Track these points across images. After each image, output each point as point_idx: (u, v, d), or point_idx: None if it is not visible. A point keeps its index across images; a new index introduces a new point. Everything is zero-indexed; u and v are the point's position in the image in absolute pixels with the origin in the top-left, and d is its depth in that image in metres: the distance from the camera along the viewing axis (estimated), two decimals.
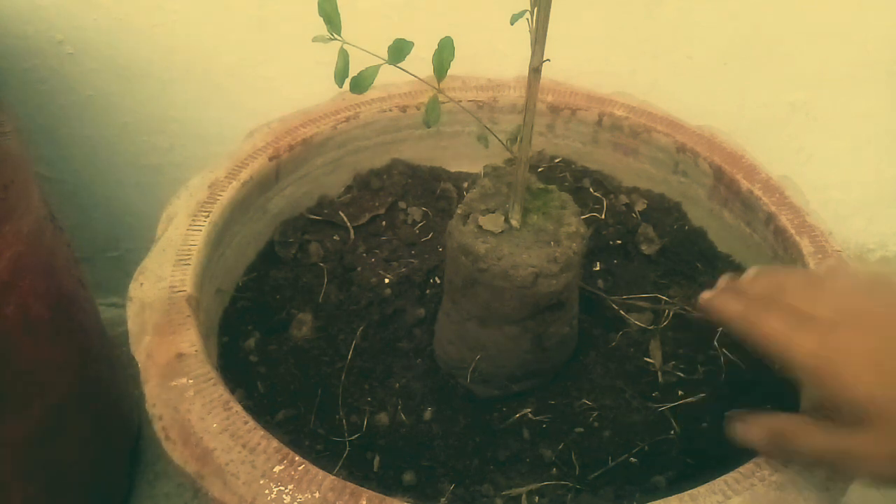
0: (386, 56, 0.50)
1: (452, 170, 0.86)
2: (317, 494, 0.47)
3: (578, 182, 0.83)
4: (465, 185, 0.84)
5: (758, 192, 0.72)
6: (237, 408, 0.52)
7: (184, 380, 0.53)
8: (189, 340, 0.56)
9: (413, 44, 0.50)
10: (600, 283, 0.74)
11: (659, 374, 0.66)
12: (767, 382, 0.65)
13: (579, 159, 0.86)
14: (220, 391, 0.53)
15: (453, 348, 0.63)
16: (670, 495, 0.49)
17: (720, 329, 0.70)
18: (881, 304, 0.49)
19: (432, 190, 0.82)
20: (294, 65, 0.89)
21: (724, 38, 0.92)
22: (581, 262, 0.60)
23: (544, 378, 0.65)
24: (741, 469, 0.50)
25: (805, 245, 0.66)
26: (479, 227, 0.56)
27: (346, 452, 0.59)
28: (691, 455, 0.59)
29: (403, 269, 0.74)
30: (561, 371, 0.65)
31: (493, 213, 0.57)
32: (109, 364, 0.91)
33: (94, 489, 0.90)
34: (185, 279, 0.60)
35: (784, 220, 0.69)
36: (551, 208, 0.58)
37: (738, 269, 0.76)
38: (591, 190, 0.83)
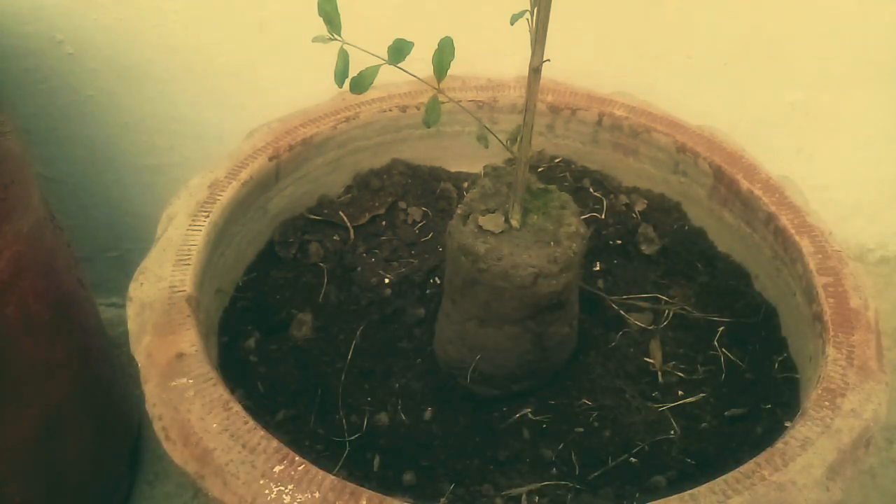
0: (386, 56, 0.50)
1: (452, 170, 0.86)
2: (317, 494, 0.47)
3: (578, 182, 0.83)
4: (465, 185, 0.84)
5: (758, 192, 0.72)
6: (237, 408, 0.52)
7: (184, 380, 0.53)
8: (189, 340, 0.56)
9: (413, 44, 0.50)
10: (600, 283, 0.74)
11: (659, 374, 0.66)
12: (767, 382, 0.65)
13: (579, 159, 0.86)
14: (220, 391, 0.53)
15: (453, 348, 0.63)
16: (670, 495, 0.49)
17: (720, 329, 0.70)
18: None
19: (432, 190, 0.82)
20: (294, 65, 0.89)
21: (724, 38, 0.92)
22: (581, 262, 0.60)
23: (544, 378, 0.65)
24: (741, 469, 0.50)
25: (805, 245, 0.66)
26: (479, 227, 0.56)
27: (346, 452, 0.59)
28: (691, 455, 0.59)
29: (403, 269, 0.74)
30: (561, 371, 0.65)
31: (493, 213, 0.57)
32: (109, 364, 0.91)
33: (94, 489, 0.90)
34: (185, 279, 0.60)
35: (784, 220, 0.69)
36: (551, 208, 0.58)
37: (738, 268, 0.76)
38: (591, 190, 0.83)
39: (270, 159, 0.73)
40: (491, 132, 0.56)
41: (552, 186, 0.60)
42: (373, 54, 0.50)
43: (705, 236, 0.79)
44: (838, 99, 1.00)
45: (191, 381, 0.53)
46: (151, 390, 0.53)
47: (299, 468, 0.49)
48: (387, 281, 0.73)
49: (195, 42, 0.89)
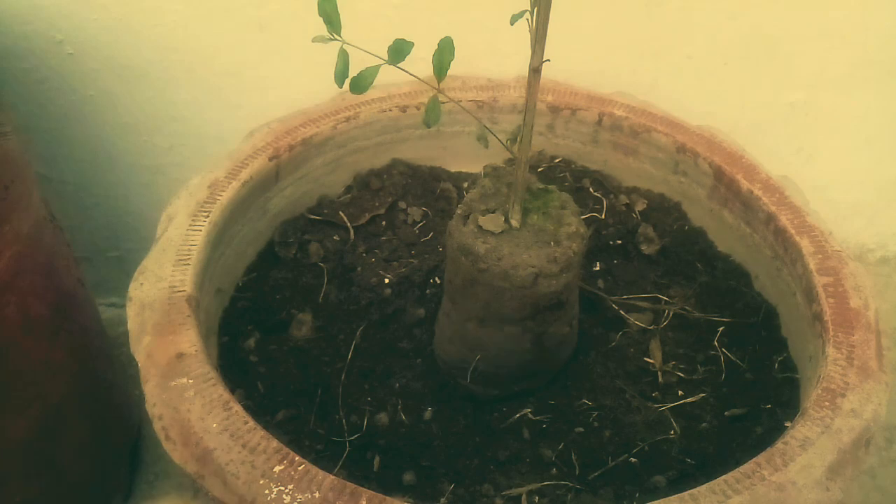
0: (386, 56, 0.50)
1: (452, 170, 0.86)
2: (317, 494, 0.47)
3: (578, 182, 0.83)
4: (465, 185, 0.84)
5: (758, 192, 0.72)
6: (237, 408, 0.52)
7: (184, 380, 0.53)
8: (189, 340, 0.56)
9: (413, 44, 0.50)
10: (600, 283, 0.74)
11: (659, 374, 0.66)
12: (767, 382, 0.65)
13: (579, 159, 0.86)
14: (220, 391, 0.53)
15: (453, 348, 0.63)
16: (670, 495, 0.49)
17: (720, 329, 0.70)
18: None
19: (432, 190, 0.82)
20: (294, 65, 0.89)
21: (724, 38, 0.92)
22: (581, 262, 0.60)
23: (544, 378, 0.65)
24: (741, 469, 0.50)
25: (805, 245, 0.66)
26: (479, 227, 0.56)
27: (346, 452, 0.59)
28: (691, 455, 0.59)
29: (403, 269, 0.74)
30: (561, 371, 0.65)
31: (493, 213, 0.57)
32: (109, 364, 0.91)
33: (94, 489, 0.90)
34: (185, 279, 0.60)
35: (784, 220, 0.69)
36: (551, 208, 0.58)
37: (738, 268, 0.76)
38: (591, 190, 0.83)
39: (270, 159, 0.73)
40: (491, 132, 0.56)
41: (552, 186, 0.60)
42: (373, 54, 0.50)
43: (705, 236, 0.79)
44: (838, 99, 1.00)
45: (191, 381, 0.53)
46: (151, 390, 0.53)
47: (299, 468, 0.49)
48: (387, 281, 0.73)
49: (195, 42, 0.89)
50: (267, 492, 0.47)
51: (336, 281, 0.73)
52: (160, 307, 0.58)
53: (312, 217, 0.79)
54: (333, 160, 0.80)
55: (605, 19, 0.89)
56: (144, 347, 0.56)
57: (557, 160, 0.86)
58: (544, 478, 0.58)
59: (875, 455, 1.02)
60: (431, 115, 0.54)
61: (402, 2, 0.86)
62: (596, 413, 0.62)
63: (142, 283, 0.60)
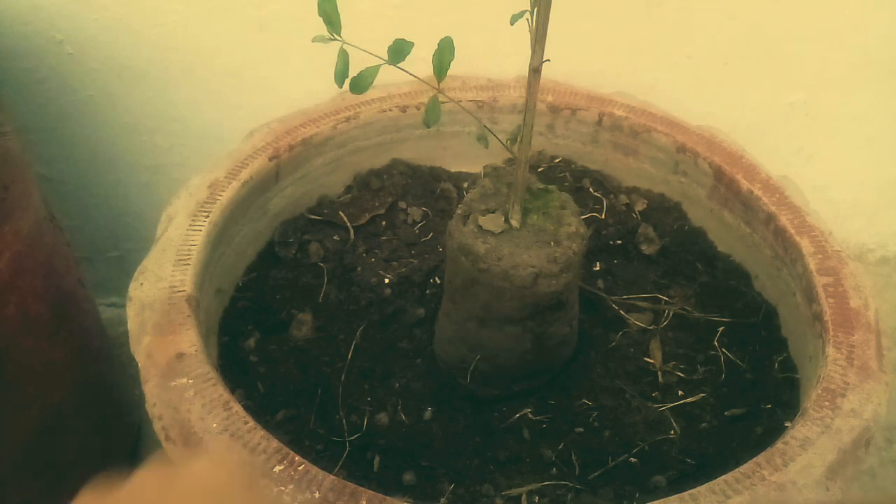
0: (386, 56, 0.50)
1: (452, 170, 0.86)
2: (317, 494, 0.47)
3: (578, 182, 0.83)
4: (465, 185, 0.84)
5: (758, 192, 0.72)
6: (237, 408, 0.52)
7: (184, 380, 0.53)
8: (189, 340, 0.56)
9: (413, 44, 0.50)
10: (600, 283, 0.74)
11: (659, 374, 0.66)
12: (767, 382, 0.65)
13: (579, 159, 0.86)
14: (220, 391, 0.53)
15: (453, 348, 0.63)
16: (670, 495, 0.49)
17: (720, 329, 0.70)
18: None
19: (432, 190, 0.82)
20: (294, 65, 0.89)
21: (724, 38, 0.92)
22: (581, 262, 0.60)
23: (544, 378, 0.65)
24: (741, 469, 0.50)
25: (805, 245, 0.66)
26: (479, 227, 0.56)
27: (346, 452, 0.59)
28: (691, 455, 0.59)
29: (403, 269, 0.74)
30: (561, 371, 0.65)
31: (493, 213, 0.57)
32: (109, 364, 0.91)
33: None
34: (185, 279, 0.60)
35: (784, 220, 0.69)
36: (551, 208, 0.58)
37: (738, 268, 0.76)
38: (591, 190, 0.83)
39: (270, 159, 0.73)
40: (491, 132, 0.56)
41: (552, 186, 0.60)
42: (373, 54, 0.50)
43: (705, 236, 0.79)
44: (838, 99, 1.00)
45: (191, 381, 0.53)
46: (151, 390, 0.53)
47: (299, 468, 0.49)
48: (387, 281, 0.73)
49: (195, 42, 0.88)
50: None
51: (336, 281, 0.73)
52: (160, 307, 0.58)
53: (312, 217, 0.79)
54: (333, 160, 0.80)
55: (605, 19, 0.89)
56: (144, 347, 0.56)
57: (557, 160, 0.86)
58: (544, 478, 0.58)
59: (875, 455, 1.02)
60: (431, 115, 0.54)
61: (402, 2, 0.86)
62: (596, 413, 0.62)
63: (142, 283, 0.60)
